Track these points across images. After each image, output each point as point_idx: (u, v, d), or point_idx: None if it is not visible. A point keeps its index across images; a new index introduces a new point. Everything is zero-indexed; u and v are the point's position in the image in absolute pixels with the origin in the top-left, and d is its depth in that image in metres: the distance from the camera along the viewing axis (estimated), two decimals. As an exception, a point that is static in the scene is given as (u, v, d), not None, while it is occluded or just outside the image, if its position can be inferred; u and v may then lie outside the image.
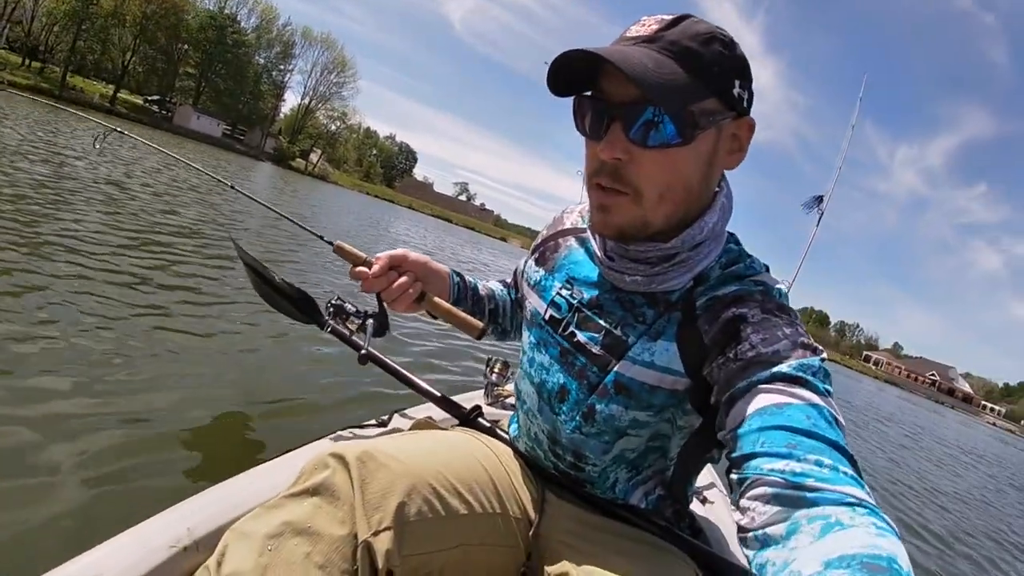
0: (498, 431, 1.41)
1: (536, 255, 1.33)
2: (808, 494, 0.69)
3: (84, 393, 2.82)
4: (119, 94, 64.95)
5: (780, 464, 0.73)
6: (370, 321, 1.63)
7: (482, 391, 2.38)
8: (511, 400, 2.12)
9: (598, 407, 1.10)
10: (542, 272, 1.28)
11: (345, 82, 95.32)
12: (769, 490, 0.72)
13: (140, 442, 2.57)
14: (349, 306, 1.77)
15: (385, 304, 1.40)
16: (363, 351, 1.67)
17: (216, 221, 9.44)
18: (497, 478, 1.17)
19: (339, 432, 1.69)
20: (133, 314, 4.03)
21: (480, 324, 1.33)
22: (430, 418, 1.54)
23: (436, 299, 1.36)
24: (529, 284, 1.32)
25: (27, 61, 60.13)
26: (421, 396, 1.73)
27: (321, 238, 1.64)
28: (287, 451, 1.56)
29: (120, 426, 2.64)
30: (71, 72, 60.91)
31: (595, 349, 1.11)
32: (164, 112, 71.57)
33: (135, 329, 3.80)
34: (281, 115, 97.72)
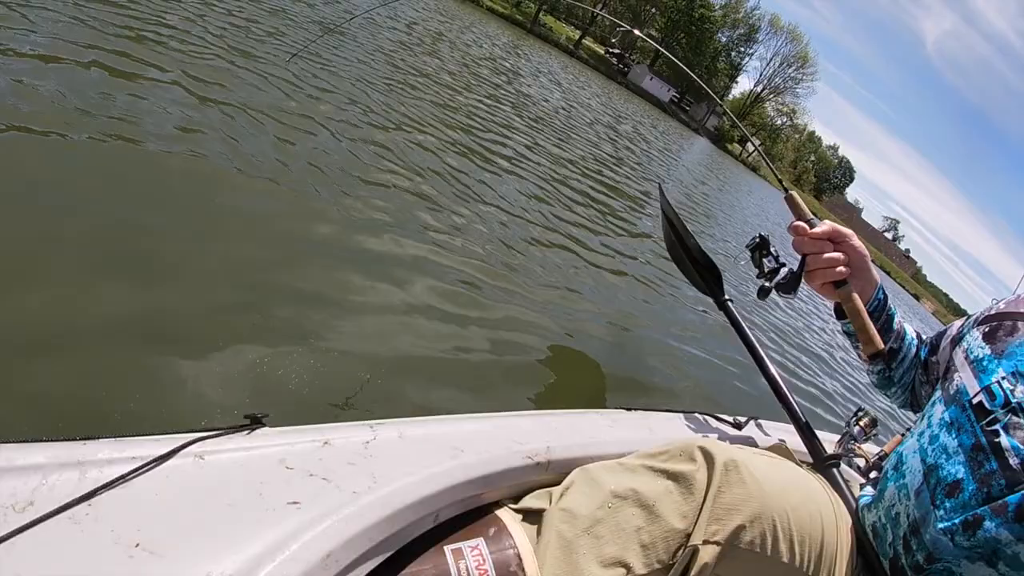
0: (847, 493, 1.31)
1: (985, 328, 1.17)
2: None
3: (481, 295, 3.22)
4: (584, 40, 70.41)
5: None
6: (784, 270, 1.54)
7: (835, 438, 2.12)
8: (861, 461, 1.85)
9: (986, 523, 0.96)
10: (987, 350, 1.12)
11: (802, 79, 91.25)
12: None
13: (515, 346, 2.90)
14: (774, 248, 1.69)
15: (805, 270, 1.34)
16: (760, 290, 1.58)
17: (651, 163, 10.24)
18: (827, 543, 1.10)
19: (695, 414, 1.68)
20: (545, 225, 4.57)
21: (881, 344, 1.28)
22: (783, 442, 1.47)
23: (854, 295, 1.30)
24: (967, 357, 1.16)
25: (506, -7, 67.96)
26: (781, 405, 1.63)
27: (780, 182, 1.61)
28: (632, 408, 1.59)
29: (500, 330, 2.98)
30: (544, 11, 67.16)
31: (1014, 461, 0.97)
32: (621, 67, 76.01)
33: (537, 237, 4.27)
34: (730, 96, 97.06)
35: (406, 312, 2.81)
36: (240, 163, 3.39)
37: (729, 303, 1.87)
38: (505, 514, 1.14)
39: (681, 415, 1.66)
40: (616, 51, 77.88)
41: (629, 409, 1.56)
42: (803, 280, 1.41)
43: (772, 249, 1.67)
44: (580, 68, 42.22)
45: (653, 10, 76.66)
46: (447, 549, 1.07)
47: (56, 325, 2.02)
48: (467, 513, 1.14)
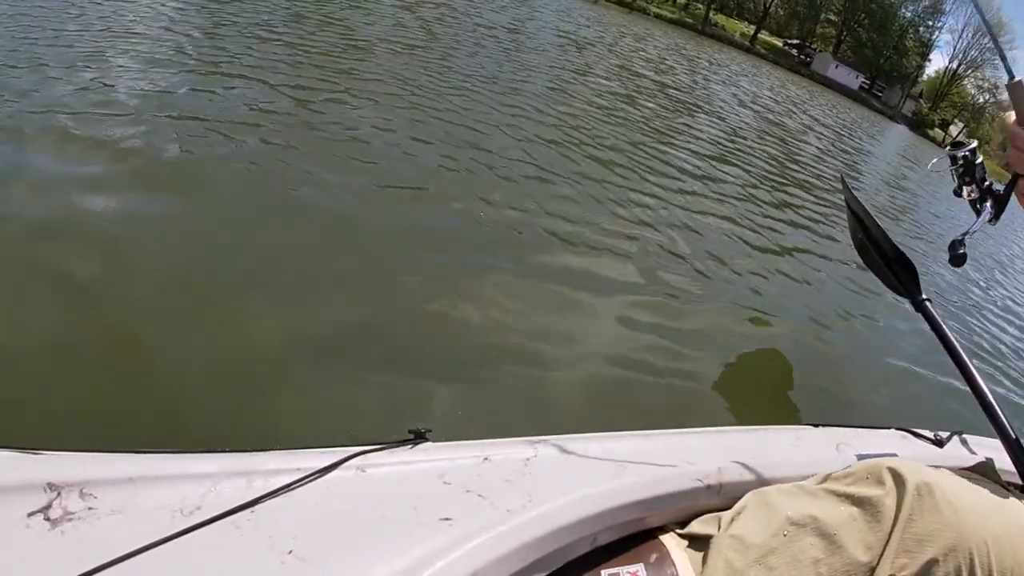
0: None
1: None
2: None
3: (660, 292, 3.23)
4: (759, 34, 68.14)
5: None
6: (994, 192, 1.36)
7: None
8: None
9: None
10: None
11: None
12: None
13: (688, 356, 2.81)
14: (979, 172, 1.45)
15: (1015, 192, 1.22)
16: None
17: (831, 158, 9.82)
18: None
19: (891, 430, 1.57)
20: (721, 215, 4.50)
21: None
22: (990, 461, 1.29)
23: None
24: None
25: (672, -3, 66.92)
26: (987, 418, 1.40)
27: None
28: (819, 425, 1.50)
29: (672, 340, 2.91)
30: (714, 10, 65.73)
31: None
32: (803, 57, 72.59)
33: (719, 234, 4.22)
34: (924, 76, 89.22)
35: (571, 324, 2.82)
36: (424, 176, 3.67)
37: (927, 303, 1.69)
38: (669, 540, 1.10)
39: (875, 431, 1.55)
40: (794, 42, 74.42)
41: (816, 425, 1.48)
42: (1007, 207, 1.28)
43: (979, 172, 1.42)
44: (758, 63, 41.09)
45: (830, -7, 72.52)
46: (604, 574, 1.04)
47: (233, 347, 2.21)
48: (628, 536, 1.11)
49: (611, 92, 8.76)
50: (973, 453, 1.53)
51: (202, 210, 2.91)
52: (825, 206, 6.94)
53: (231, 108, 3.94)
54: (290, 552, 0.85)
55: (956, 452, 1.53)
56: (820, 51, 74.66)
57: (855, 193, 2.17)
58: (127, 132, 3.31)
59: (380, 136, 4.17)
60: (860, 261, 2.21)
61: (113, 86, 3.89)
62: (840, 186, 2.47)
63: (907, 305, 1.81)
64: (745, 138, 9.51)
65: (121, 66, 4.28)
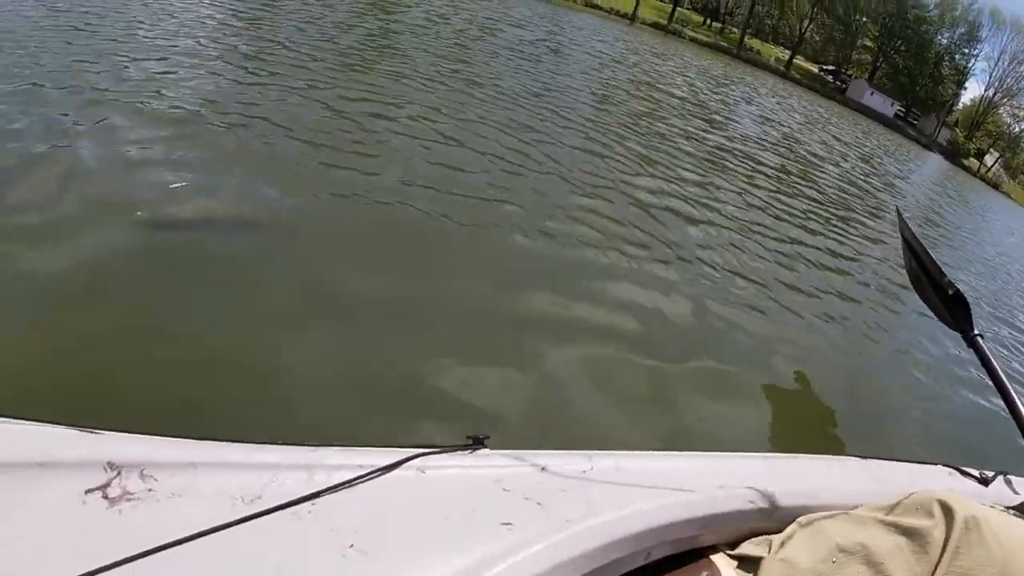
0: None
1: None
2: None
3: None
4: (794, 60, 67.85)
5: None
6: None
7: None
8: None
9: None
10: None
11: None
12: None
13: (738, 381, 2.89)
14: None
15: None
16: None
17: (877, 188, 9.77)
18: None
19: (936, 465, 1.59)
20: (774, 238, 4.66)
21: None
22: None
23: None
24: None
25: (708, 21, 67.46)
26: None
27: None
28: (866, 456, 1.51)
29: (723, 363, 2.96)
30: (749, 35, 65.68)
31: None
32: (838, 83, 71.96)
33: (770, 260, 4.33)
34: (959, 105, 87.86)
35: (632, 344, 2.88)
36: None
37: (979, 339, 1.69)
38: (720, 559, 1.11)
39: (920, 466, 1.55)
40: (830, 67, 73.86)
41: (863, 457, 1.48)
42: None
43: None
44: (792, 88, 41.01)
45: (864, 19, 71.86)
46: None
47: (306, 339, 2.32)
48: (680, 554, 1.12)
49: (674, 108, 8.80)
50: (1017, 493, 1.54)
51: (300, 210, 3.14)
52: (870, 232, 6.92)
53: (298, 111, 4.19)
54: (351, 546, 0.86)
55: (1001, 491, 1.53)
56: (855, 77, 73.96)
57: (910, 225, 2.18)
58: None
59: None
60: (911, 292, 2.21)
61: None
62: (895, 217, 2.49)
63: (957, 339, 1.82)
64: (786, 168, 9.51)
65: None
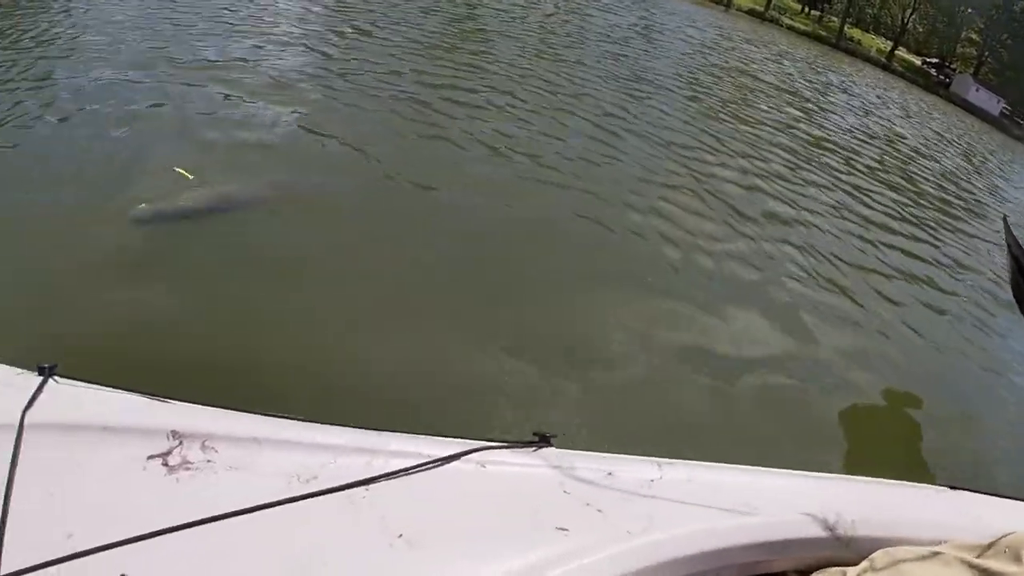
0: None
1: None
2: None
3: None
4: (896, 51, 64.80)
5: None
6: None
7: None
8: None
9: None
10: None
11: None
12: None
13: (821, 397, 2.79)
14: None
15: None
16: None
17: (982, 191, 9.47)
18: None
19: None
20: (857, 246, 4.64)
21: None
22: None
23: None
24: None
25: (807, 9, 64.86)
26: None
27: None
28: (957, 488, 1.37)
29: (805, 380, 2.90)
30: (849, 24, 62.80)
31: None
32: (942, 77, 68.21)
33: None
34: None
35: (704, 353, 2.87)
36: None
37: None
38: None
39: (1018, 503, 1.40)
40: (934, 60, 70.09)
41: (953, 488, 1.35)
42: None
43: None
44: (894, 81, 39.04)
45: (969, 10, 67.88)
46: None
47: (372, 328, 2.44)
48: None
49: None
50: None
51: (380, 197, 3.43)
52: (970, 241, 6.62)
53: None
54: (400, 536, 0.86)
55: None
56: (960, 72, 69.98)
57: (1019, 238, 2.07)
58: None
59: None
60: (1013, 309, 1.99)
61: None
62: (1001, 226, 2.40)
63: None
64: (884, 166, 9.30)
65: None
